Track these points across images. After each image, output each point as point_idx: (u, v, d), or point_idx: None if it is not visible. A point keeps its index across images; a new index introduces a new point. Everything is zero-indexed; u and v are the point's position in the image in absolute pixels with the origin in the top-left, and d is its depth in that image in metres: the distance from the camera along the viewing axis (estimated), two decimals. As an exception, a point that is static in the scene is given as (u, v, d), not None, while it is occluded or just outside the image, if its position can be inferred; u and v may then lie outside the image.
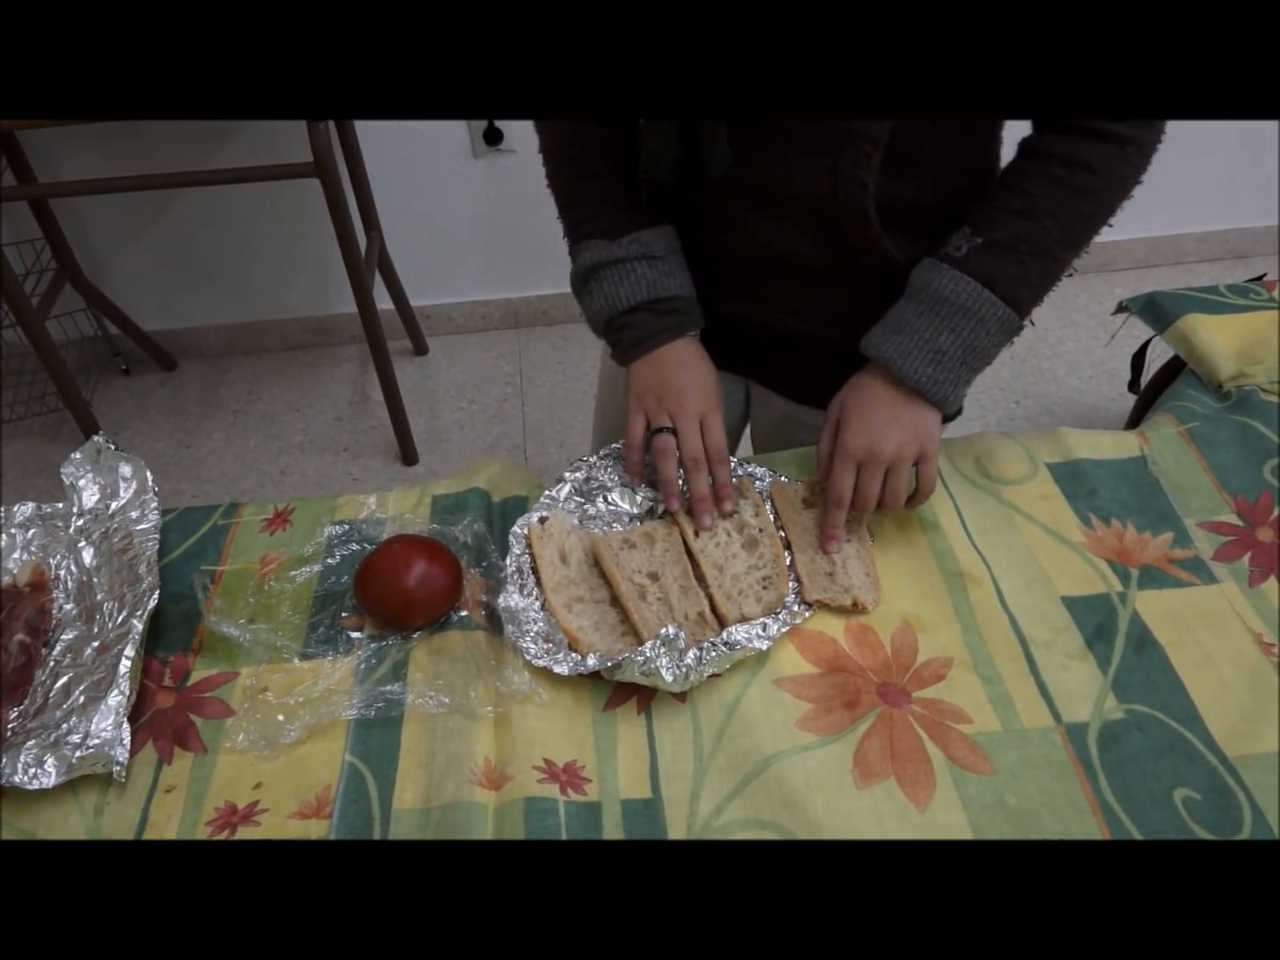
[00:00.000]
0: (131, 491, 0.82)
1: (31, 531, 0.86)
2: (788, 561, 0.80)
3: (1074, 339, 2.34)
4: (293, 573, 0.83)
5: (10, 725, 0.73)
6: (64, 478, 0.83)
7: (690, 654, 0.69)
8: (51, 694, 0.73)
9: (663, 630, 0.68)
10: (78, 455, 0.83)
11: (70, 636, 0.78)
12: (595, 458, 0.88)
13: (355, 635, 0.78)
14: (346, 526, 0.86)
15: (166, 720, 0.73)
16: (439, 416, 2.23)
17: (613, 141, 0.86)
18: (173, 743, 0.72)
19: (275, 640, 0.78)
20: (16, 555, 0.85)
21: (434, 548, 0.78)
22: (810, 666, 0.75)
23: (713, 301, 0.91)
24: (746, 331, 0.94)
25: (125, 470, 0.82)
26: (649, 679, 0.69)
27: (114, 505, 0.82)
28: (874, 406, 0.79)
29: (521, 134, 2.09)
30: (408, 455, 2.11)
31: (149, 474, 0.82)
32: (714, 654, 0.70)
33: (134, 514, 0.81)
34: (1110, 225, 0.79)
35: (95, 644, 0.76)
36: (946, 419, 0.83)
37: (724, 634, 0.71)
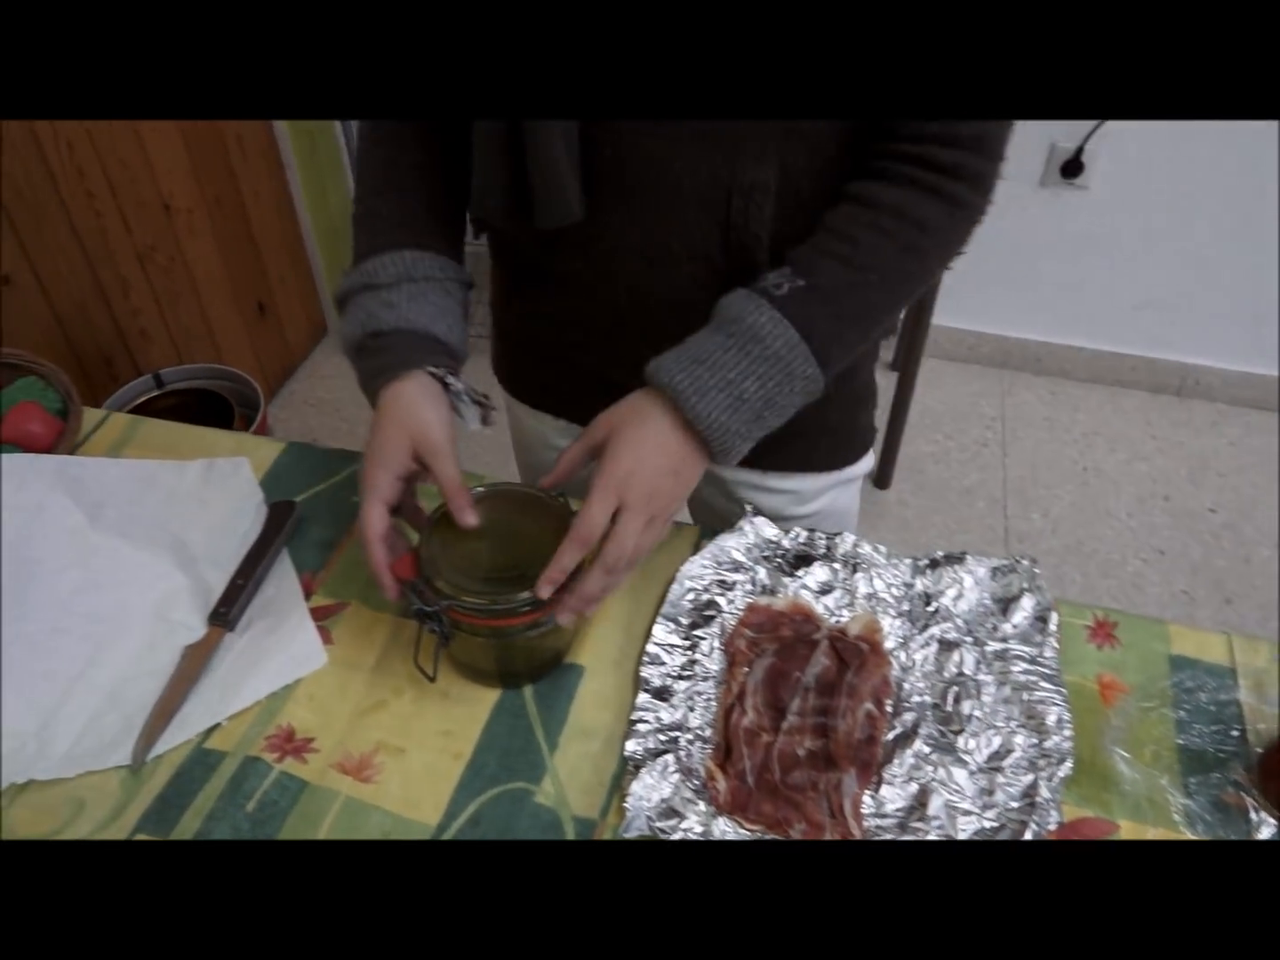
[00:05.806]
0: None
1: (841, 571, 0.80)
2: None
3: None
4: (1144, 709, 0.73)
5: (864, 817, 0.66)
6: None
7: None
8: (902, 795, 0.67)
9: None
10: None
11: (926, 733, 0.71)
12: None
13: (1250, 818, 0.67)
14: (1193, 672, 0.75)
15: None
16: (912, 443, 2.12)
17: (428, 172, 0.77)
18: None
19: (1161, 795, 0.68)
20: (838, 595, 0.80)
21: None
22: None
23: (587, 364, 0.84)
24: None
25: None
26: None
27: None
28: (654, 450, 0.67)
29: (1103, 172, 1.91)
30: (883, 478, 2.02)
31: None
32: None
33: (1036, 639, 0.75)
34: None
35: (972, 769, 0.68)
36: None
37: None
